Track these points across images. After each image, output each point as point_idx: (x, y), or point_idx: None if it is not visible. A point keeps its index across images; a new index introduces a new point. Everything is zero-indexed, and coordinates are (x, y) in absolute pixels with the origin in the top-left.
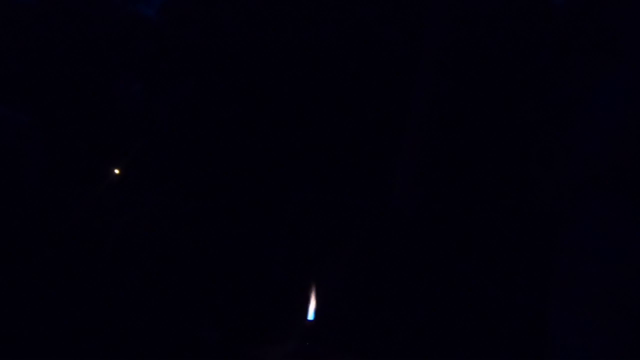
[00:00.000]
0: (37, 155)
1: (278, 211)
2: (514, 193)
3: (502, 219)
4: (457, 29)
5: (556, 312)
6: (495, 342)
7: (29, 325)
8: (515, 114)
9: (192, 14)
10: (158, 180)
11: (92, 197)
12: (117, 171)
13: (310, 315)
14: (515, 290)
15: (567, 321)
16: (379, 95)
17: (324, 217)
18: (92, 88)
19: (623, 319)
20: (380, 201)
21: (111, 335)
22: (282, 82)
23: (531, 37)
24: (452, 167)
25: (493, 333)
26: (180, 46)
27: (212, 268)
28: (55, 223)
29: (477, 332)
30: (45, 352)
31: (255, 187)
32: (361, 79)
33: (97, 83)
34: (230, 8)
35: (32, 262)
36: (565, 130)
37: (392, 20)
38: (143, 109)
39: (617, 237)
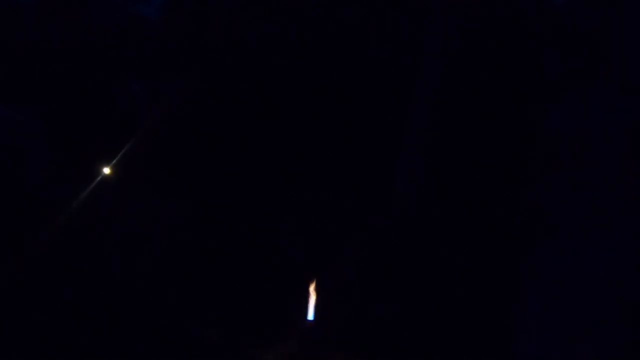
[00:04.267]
0: (38, 154)
1: (278, 212)
2: (509, 196)
3: (499, 220)
4: (457, 33)
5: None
6: (495, 341)
7: (29, 325)
8: (516, 116)
9: (192, 14)
10: (159, 180)
11: (92, 197)
12: (117, 170)
13: (310, 315)
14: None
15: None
16: (380, 98)
17: (325, 219)
18: (92, 88)
19: (596, 316)
20: (380, 203)
21: (112, 334)
22: (283, 83)
23: (532, 40)
24: (451, 169)
25: (493, 333)
26: (180, 46)
27: (212, 269)
28: (56, 222)
29: (477, 332)
30: (46, 351)
31: (255, 188)
32: (362, 80)
33: (97, 83)
34: (230, 8)
35: (33, 261)
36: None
37: (392, 24)
38: (143, 109)
39: (593, 240)
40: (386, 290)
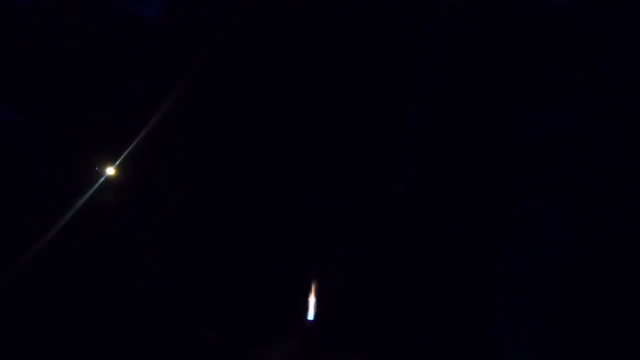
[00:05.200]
0: (38, 154)
1: (279, 212)
2: (508, 196)
3: (499, 220)
4: (457, 33)
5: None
6: (485, 342)
7: (29, 325)
8: (516, 116)
9: (192, 14)
10: (159, 180)
11: (92, 197)
12: (117, 170)
13: (310, 315)
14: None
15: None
16: (379, 98)
17: (324, 218)
18: (92, 88)
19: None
20: (380, 203)
21: (112, 334)
22: (283, 83)
23: (532, 40)
24: (452, 169)
25: (486, 333)
26: (180, 46)
27: (212, 269)
28: (56, 222)
29: (476, 332)
30: (46, 351)
31: (255, 188)
32: (362, 79)
33: (97, 83)
34: (230, 8)
35: (33, 261)
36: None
37: (392, 24)
38: (143, 109)
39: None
40: (386, 290)
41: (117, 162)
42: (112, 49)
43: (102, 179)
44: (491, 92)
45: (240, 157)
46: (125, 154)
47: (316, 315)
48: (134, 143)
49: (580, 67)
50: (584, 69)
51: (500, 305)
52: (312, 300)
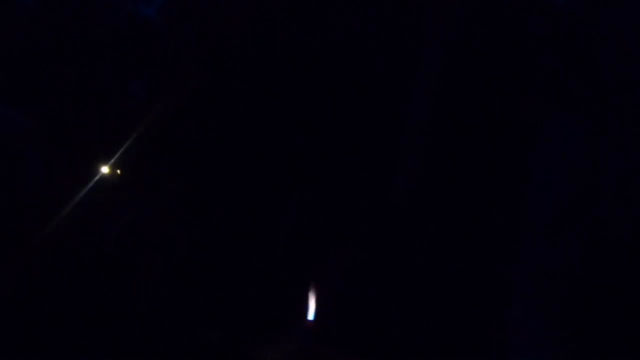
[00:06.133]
0: (38, 154)
1: (278, 211)
2: (509, 196)
3: (499, 220)
4: (457, 34)
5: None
6: (493, 345)
7: (29, 326)
8: (516, 117)
9: (192, 14)
10: (158, 181)
11: (92, 198)
12: (116, 171)
13: (310, 315)
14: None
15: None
16: (378, 96)
17: (324, 217)
18: (92, 88)
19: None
20: (379, 201)
21: (112, 335)
22: (282, 83)
23: (532, 40)
24: (452, 168)
25: (491, 336)
26: (180, 46)
27: (212, 268)
28: (55, 222)
29: (478, 333)
30: (47, 352)
31: (254, 187)
32: (361, 80)
33: (97, 83)
34: (231, 8)
35: (32, 261)
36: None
37: (392, 22)
38: (143, 109)
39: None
40: (387, 290)
41: (117, 163)
42: (112, 49)
43: (102, 179)
44: (490, 92)
45: (240, 157)
46: (125, 154)
47: (316, 315)
48: (134, 143)
49: (580, 67)
50: (584, 68)
51: (507, 307)
52: (312, 300)
